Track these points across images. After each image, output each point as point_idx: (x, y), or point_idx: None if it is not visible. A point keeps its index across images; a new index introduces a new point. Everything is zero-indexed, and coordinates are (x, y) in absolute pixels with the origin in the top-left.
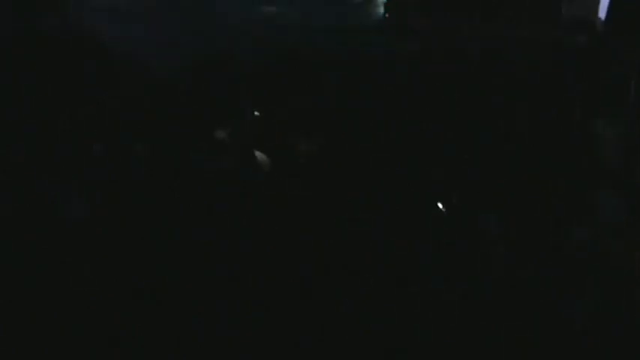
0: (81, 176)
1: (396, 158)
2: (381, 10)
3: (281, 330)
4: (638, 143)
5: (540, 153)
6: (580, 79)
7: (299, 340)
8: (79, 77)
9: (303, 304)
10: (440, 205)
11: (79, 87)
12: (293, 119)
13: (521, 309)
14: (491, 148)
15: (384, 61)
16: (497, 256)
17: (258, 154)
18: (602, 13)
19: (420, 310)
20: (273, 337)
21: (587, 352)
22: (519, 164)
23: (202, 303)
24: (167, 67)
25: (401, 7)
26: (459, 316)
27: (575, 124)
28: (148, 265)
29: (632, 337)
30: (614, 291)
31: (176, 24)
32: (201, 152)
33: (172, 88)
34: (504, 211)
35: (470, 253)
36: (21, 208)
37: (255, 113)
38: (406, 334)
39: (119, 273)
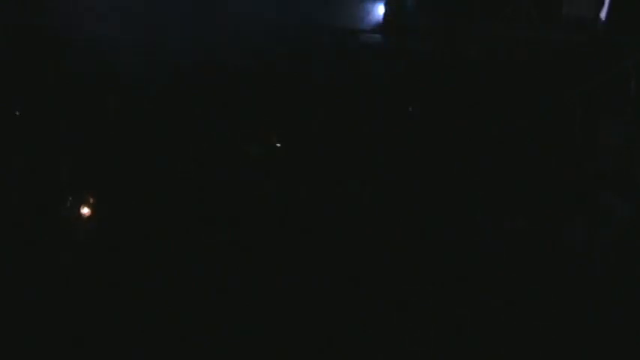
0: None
1: (395, 157)
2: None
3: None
4: (639, 142)
5: (541, 152)
6: (580, 79)
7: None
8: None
9: (303, 303)
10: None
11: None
12: (292, 118)
13: (521, 308)
14: (492, 148)
15: (384, 60)
16: (497, 255)
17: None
18: (602, 13)
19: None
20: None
21: (587, 351)
22: (520, 163)
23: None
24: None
25: (400, 7)
26: (458, 315)
27: (576, 123)
28: (148, 265)
29: (632, 336)
30: (614, 290)
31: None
32: (202, 152)
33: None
34: (504, 211)
35: (469, 252)
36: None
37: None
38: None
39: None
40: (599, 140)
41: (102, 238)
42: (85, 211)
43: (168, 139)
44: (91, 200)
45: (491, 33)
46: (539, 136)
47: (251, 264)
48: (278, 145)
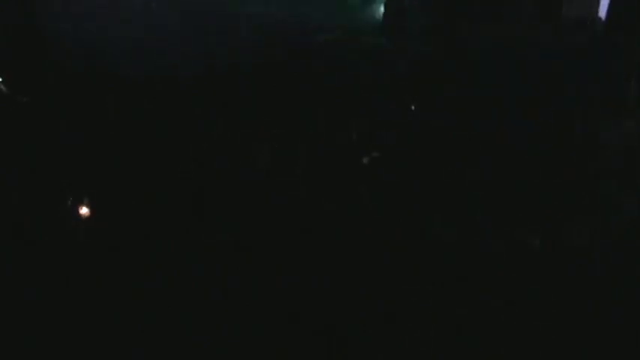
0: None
1: (395, 157)
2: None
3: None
4: (639, 142)
5: (542, 152)
6: (580, 79)
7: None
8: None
9: (303, 303)
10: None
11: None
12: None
13: (522, 307)
14: (492, 148)
15: (384, 61)
16: (497, 255)
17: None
18: (603, 13)
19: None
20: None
21: (587, 351)
22: (520, 163)
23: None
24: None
25: (400, 7)
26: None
27: (576, 123)
28: (148, 265)
29: (632, 336)
30: (614, 290)
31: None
32: (204, 150)
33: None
34: (504, 211)
35: (469, 252)
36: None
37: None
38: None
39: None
40: (599, 140)
41: (102, 238)
42: (85, 211)
43: (168, 138)
44: (91, 200)
45: (491, 33)
46: (540, 136)
47: (251, 264)
48: (279, 145)
